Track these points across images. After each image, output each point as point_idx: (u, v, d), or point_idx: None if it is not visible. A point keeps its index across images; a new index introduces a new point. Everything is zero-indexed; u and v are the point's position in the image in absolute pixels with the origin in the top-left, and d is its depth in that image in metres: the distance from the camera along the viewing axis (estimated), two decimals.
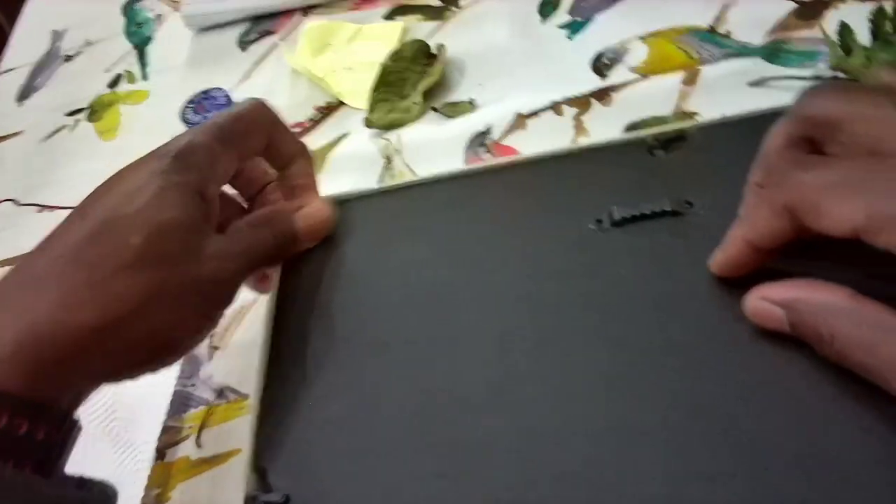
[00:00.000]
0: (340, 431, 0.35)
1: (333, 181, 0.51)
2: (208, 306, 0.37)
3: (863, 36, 0.50)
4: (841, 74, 0.49)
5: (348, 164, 0.55)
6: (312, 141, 0.58)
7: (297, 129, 0.59)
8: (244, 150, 0.39)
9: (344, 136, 0.58)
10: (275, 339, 0.39)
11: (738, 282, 0.33)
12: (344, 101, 0.60)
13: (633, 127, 0.50)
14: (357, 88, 0.60)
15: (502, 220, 0.41)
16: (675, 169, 0.40)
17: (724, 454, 0.30)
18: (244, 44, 0.69)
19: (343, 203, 0.43)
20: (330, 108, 0.60)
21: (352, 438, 0.34)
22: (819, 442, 0.29)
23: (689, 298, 0.34)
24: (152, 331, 0.34)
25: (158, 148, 0.37)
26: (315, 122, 0.60)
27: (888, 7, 0.50)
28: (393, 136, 0.56)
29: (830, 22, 0.52)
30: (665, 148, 0.41)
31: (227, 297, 0.37)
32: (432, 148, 0.54)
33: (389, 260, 0.40)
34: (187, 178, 0.36)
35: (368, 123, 0.57)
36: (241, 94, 0.65)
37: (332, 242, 0.42)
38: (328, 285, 0.40)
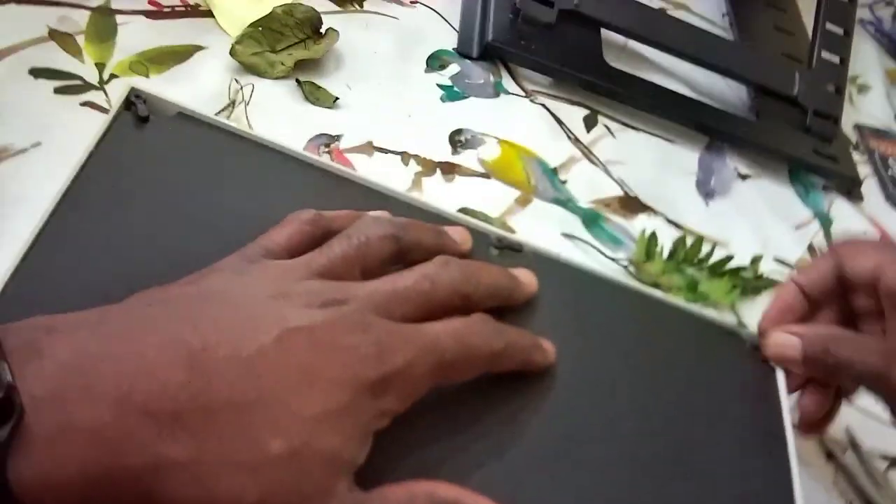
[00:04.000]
0: None
1: (172, 87, 0.48)
2: None
3: (666, 248, 0.57)
4: (632, 269, 0.55)
5: (193, 82, 0.52)
6: (162, 29, 0.53)
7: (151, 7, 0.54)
8: None
9: (199, 48, 0.54)
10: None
11: None
12: (214, 13, 0.56)
13: (463, 212, 0.52)
14: (235, 13, 0.57)
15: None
16: None
17: None
18: None
19: (179, 116, 0.41)
20: (195, 9, 0.56)
21: None
22: None
23: None
24: None
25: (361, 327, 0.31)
26: (175, 13, 0.55)
27: (689, 240, 0.57)
28: (249, 85, 0.53)
29: (646, 224, 0.59)
30: (501, 250, 0.43)
31: None
32: (281, 117, 0.52)
33: (178, 192, 0.39)
34: (382, 420, 0.31)
35: (233, 52, 0.54)
36: None
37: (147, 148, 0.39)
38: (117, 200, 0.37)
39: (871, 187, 0.76)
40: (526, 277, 0.41)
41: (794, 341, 0.42)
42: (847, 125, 0.81)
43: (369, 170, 0.52)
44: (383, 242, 0.36)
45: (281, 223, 0.36)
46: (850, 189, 0.73)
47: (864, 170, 0.76)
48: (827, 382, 0.45)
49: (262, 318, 0.30)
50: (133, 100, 0.40)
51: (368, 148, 0.54)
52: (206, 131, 0.41)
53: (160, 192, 0.38)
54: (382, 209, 0.40)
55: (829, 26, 0.75)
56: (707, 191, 0.65)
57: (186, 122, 0.41)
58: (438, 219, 0.43)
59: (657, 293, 0.46)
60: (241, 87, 0.53)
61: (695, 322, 0.46)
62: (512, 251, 0.44)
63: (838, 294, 0.44)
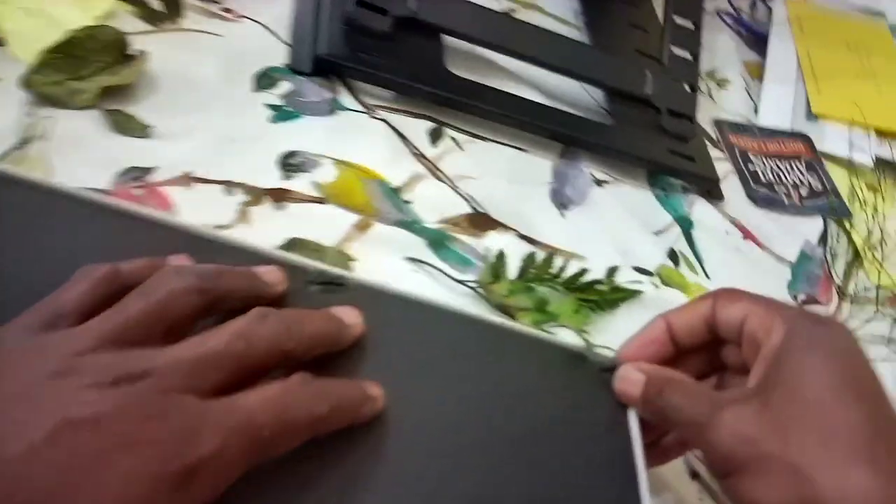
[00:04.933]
0: None
1: None
2: None
3: (514, 266, 0.54)
4: (481, 290, 0.52)
5: None
6: None
7: None
8: None
9: None
10: None
11: None
12: (6, 40, 0.51)
13: (292, 244, 0.48)
14: (29, 36, 0.51)
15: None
16: None
17: None
18: None
19: None
20: None
21: None
22: None
23: None
24: None
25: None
26: None
27: (539, 256, 0.55)
28: (50, 118, 0.48)
29: (494, 241, 0.56)
30: (322, 286, 0.40)
31: None
32: (84, 153, 0.47)
33: None
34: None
35: (28, 82, 0.48)
36: None
37: None
38: None
39: (732, 185, 0.75)
40: (350, 317, 0.37)
41: (638, 378, 0.40)
42: (706, 121, 0.80)
43: (187, 204, 0.48)
44: (188, 296, 0.31)
45: (69, 282, 0.32)
46: (710, 189, 0.71)
47: (724, 167, 0.76)
48: (663, 428, 0.43)
49: (36, 406, 0.26)
50: None
51: (186, 180, 0.49)
52: None
53: None
54: (189, 251, 0.36)
55: (679, 20, 0.73)
56: (562, 201, 0.63)
57: None
58: (253, 257, 0.39)
59: (499, 320, 0.43)
60: (38, 121, 0.48)
61: (540, 348, 0.43)
62: (334, 286, 0.40)
63: (708, 343, 0.42)
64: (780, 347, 0.36)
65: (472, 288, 0.52)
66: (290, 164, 0.54)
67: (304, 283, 0.39)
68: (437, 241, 0.54)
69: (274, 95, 0.57)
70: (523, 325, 0.45)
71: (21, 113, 0.48)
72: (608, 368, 0.43)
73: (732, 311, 0.39)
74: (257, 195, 0.51)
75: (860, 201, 0.79)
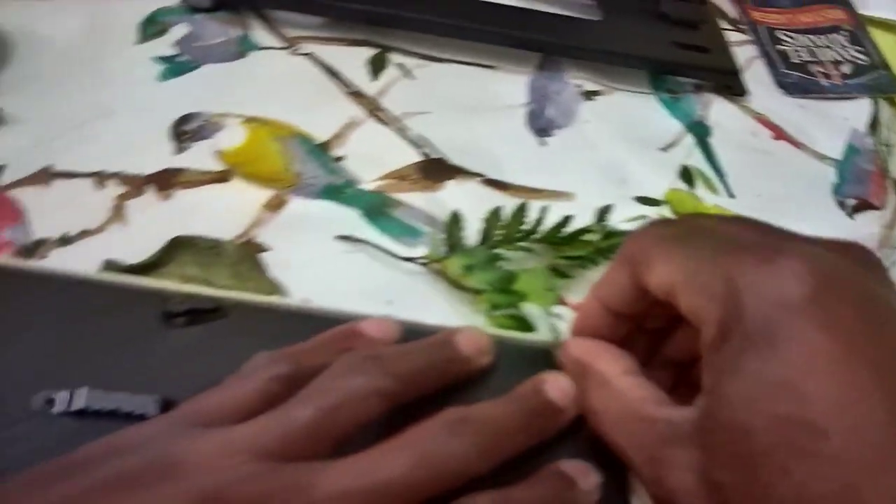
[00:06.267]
0: None
1: None
2: None
3: (476, 228, 0.43)
4: (436, 269, 0.41)
5: None
6: None
7: None
8: None
9: None
10: None
11: None
12: None
13: (173, 245, 0.38)
14: None
15: None
16: (190, 355, 0.29)
17: None
18: None
19: None
20: None
21: None
22: None
23: None
24: None
25: None
26: None
27: (506, 209, 0.44)
28: None
29: (452, 194, 0.45)
30: (186, 316, 0.30)
31: None
32: None
33: None
34: None
35: None
36: None
37: None
38: None
39: (756, 74, 0.61)
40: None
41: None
42: None
43: (43, 208, 0.38)
44: (367, 401, 0.26)
45: (232, 379, 0.27)
46: (730, 83, 0.58)
47: (746, 52, 0.62)
48: None
49: None
50: None
51: (43, 176, 0.39)
52: None
53: None
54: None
55: None
56: (542, 125, 0.51)
57: None
58: (79, 287, 0.29)
59: (435, 325, 0.32)
60: None
61: (503, 352, 0.33)
62: (204, 315, 0.30)
63: (647, 302, 0.31)
64: (719, 346, 0.25)
65: (423, 264, 0.41)
66: (184, 131, 0.43)
67: (164, 315, 0.30)
68: (375, 209, 0.43)
69: (164, 45, 0.46)
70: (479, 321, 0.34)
71: None
72: None
73: (656, 277, 0.28)
74: (137, 185, 0.40)
75: None
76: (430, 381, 0.28)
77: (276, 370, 0.27)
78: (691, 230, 0.28)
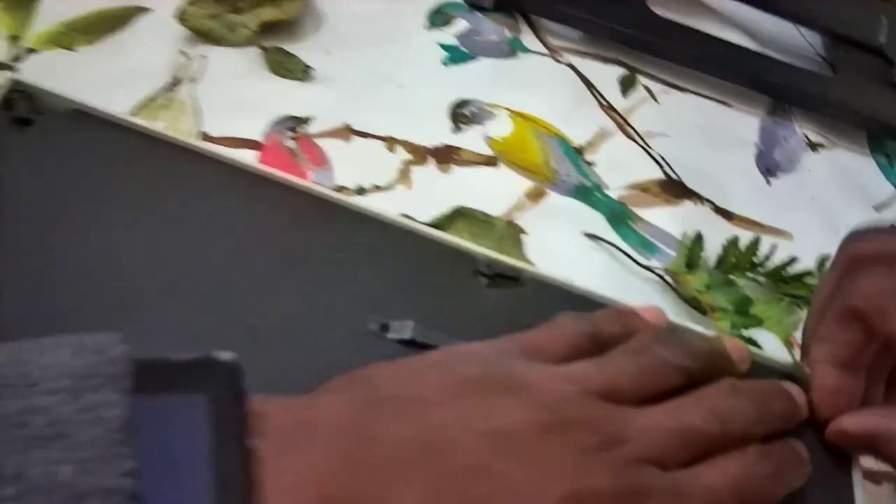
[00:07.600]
0: None
1: (101, 63, 0.38)
2: None
3: (712, 250, 0.47)
4: (669, 279, 0.45)
5: (128, 55, 0.43)
6: None
7: None
8: None
9: (140, 10, 0.45)
10: None
11: None
12: None
13: (457, 213, 0.43)
14: None
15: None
16: (495, 313, 0.33)
17: None
18: None
19: (75, 115, 0.32)
20: None
21: None
22: None
23: None
24: None
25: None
26: None
27: (743, 242, 0.47)
28: (198, 56, 0.44)
29: (690, 213, 0.48)
30: (492, 279, 0.34)
31: None
32: (235, 98, 0.43)
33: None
34: None
35: (182, 16, 0.44)
36: None
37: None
38: None
39: None
40: (801, 398, 0.33)
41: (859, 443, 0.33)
42: None
43: (345, 160, 0.43)
44: (672, 372, 0.30)
45: (549, 327, 0.31)
46: None
47: None
48: None
49: (547, 464, 0.25)
50: (13, 96, 0.32)
51: (345, 132, 0.44)
52: (109, 133, 0.32)
53: (46, 211, 0.30)
54: (334, 220, 0.33)
55: None
56: (769, 165, 0.54)
57: (85, 123, 0.32)
58: (408, 236, 0.34)
59: (701, 329, 0.36)
60: (190, 60, 0.44)
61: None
62: (505, 281, 0.34)
63: (879, 347, 0.34)
64: None
65: (659, 276, 0.45)
66: (462, 114, 0.48)
67: (471, 272, 0.34)
68: (617, 218, 0.47)
69: (448, 34, 0.51)
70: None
71: (173, 50, 0.43)
72: None
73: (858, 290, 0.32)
74: (421, 154, 0.45)
75: None
76: (708, 370, 0.31)
77: (585, 327, 0.30)
78: None
